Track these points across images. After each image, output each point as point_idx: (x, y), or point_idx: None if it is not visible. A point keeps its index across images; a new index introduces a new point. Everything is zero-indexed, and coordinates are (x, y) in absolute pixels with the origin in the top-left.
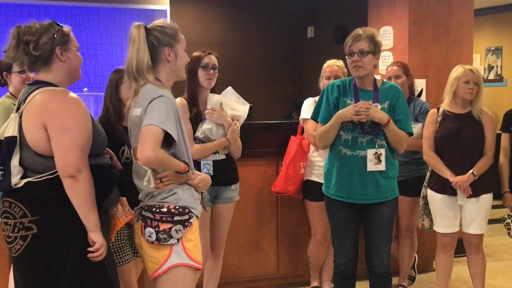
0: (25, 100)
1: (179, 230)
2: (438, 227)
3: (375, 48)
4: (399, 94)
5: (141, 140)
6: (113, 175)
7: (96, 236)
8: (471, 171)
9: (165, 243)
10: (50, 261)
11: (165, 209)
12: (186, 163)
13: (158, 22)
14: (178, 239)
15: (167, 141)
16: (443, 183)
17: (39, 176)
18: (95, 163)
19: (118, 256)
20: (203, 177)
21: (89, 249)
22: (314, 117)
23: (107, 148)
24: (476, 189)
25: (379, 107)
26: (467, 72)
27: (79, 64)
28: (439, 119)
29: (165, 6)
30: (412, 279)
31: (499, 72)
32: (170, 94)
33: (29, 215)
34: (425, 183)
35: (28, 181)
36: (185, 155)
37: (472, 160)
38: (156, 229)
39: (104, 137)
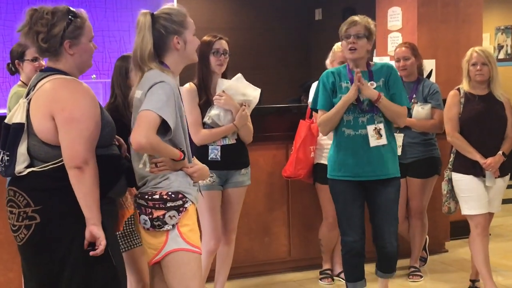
0: (35, 86)
1: (174, 216)
2: (468, 210)
3: (369, 35)
4: (391, 70)
5: (136, 125)
6: (120, 166)
7: (96, 230)
8: (500, 151)
9: (160, 229)
10: (53, 250)
11: (157, 196)
12: (182, 151)
13: (164, 8)
14: (173, 225)
15: (164, 128)
16: (470, 165)
17: (43, 166)
18: (103, 153)
19: (128, 240)
20: (200, 167)
21: (89, 243)
22: (314, 106)
23: (117, 137)
24: (502, 170)
25: (375, 85)
26: (473, 54)
27: (90, 56)
28: (462, 100)
29: None
30: (424, 260)
31: (509, 51)
32: (172, 80)
33: (32, 204)
34: (449, 165)
35: (32, 171)
36: (183, 142)
37: (498, 141)
38: (150, 216)
39: (113, 128)
